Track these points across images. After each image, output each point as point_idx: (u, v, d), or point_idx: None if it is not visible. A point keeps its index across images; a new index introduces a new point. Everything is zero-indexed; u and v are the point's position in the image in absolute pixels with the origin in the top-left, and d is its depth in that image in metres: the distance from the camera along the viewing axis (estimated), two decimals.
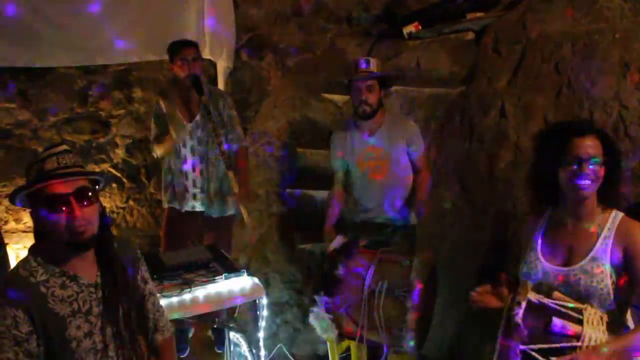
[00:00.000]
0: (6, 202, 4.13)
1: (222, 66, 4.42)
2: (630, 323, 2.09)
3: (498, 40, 3.87)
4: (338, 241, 3.09)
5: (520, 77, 3.56)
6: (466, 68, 4.15)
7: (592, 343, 1.83)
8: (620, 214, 2.03)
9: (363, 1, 4.88)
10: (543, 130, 2.25)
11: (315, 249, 4.07)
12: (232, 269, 2.79)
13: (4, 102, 4.14)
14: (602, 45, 3.21)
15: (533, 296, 1.95)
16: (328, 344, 3.19)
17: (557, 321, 1.86)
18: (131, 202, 4.57)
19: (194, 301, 2.58)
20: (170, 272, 2.72)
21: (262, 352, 2.94)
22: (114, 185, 4.49)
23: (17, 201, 1.78)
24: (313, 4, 4.78)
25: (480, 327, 3.29)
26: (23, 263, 1.77)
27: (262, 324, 2.88)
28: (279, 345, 3.98)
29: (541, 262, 2.09)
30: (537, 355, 1.84)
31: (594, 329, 1.86)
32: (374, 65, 3.22)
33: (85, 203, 1.72)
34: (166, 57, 3.53)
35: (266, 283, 4.07)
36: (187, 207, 3.56)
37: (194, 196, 3.54)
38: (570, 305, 1.93)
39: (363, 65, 3.22)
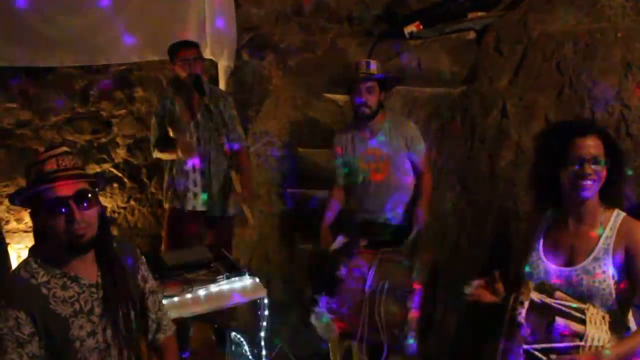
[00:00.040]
0: (7, 201, 4.13)
1: (224, 66, 4.43)
2: (632, 323, 2.08)
3: (499, 40, 3.86)
4: (339, 241, 3.09)
5: (521, 76, 3.55)
6: (467, 68, 4.14)
7: (595, 343, 1.83)
8: (622, 214, 2.03)
9: (364, 1, 4.87)
10: (544, 131, 2.25)
11: (317, 248, 4.07)
12: (233, 269, 2.79)
13: (5, 101, 4.15)
14: (603, 45, 3.20)
15: (535, 296, 1.95)
16: (329, 344, 3.18)
17: (559, 321, 1.86)
18: (132, 202, 4.57)
19: (195, 301, 2.59)
20: (172, 272, 2.72)
21: (263, 352, 2.93)
22: (115, 185, 4.50)
23: (17, 201, 1.78)
24: (314, 3, 4.78)
25: (481, 328, 3.29)
26: (24, 264, 1.77)
27: (263, 323, 2.88)
28: (280, 345, 3.97)
29: (543, 263, 2.08)
30: (539, 355, 1.84)
31: (596, 329, 1.85)
32: (374, 67, 3.22)
33: (85, 205, 1.72)
34: (167, 56, 3.53)
35: (267, 283, 4.06)
36: (189, 207, 3.56)
37: (195, 196, 3.54)
38: (573, 305, 1.93)
39: (363, 67, 3.21)
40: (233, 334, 3.16)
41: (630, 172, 2.70)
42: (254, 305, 2.85)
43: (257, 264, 4.18)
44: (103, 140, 4.47)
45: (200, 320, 2.91)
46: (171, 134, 3.50)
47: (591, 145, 1.95)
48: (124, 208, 4.56)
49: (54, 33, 3.82)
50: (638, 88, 3.01)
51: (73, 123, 4.38)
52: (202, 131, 3.47)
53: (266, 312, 2.87)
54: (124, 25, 3.97)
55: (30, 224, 1.84)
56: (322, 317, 2.92)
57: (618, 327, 1.95)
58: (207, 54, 4.25)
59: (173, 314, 2.46)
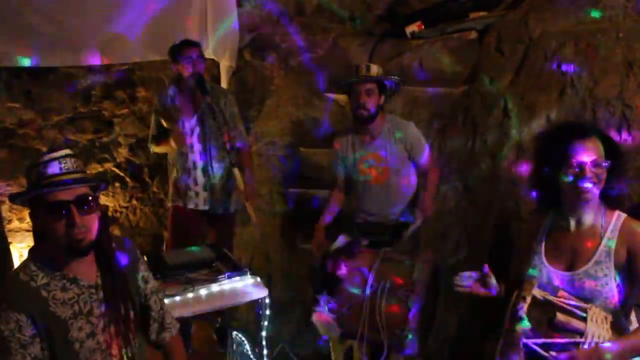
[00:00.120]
0: (10, 202, 4.14)
1: (225, 66, 4.43)
2: (635, 324, 2.07)
3: (501, 40, 3.86)
4: (340, 241, 3.09)
5: (523, 76, 3.55)
6: (469, 67, 4.14)
7: (595, 340, 1.83)
8: (624, 215, 2.02)
9: (366, 1, 4.88)
10: (543, 133, 2.24)
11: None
12: (234, 269, 2.79)
13: (8, 101, 4.16)
14: (605, 45, 3.20)
15: (538, 293, 1.95)
16: (330, 343, 3.19)
17: (560, 316, 1.87)
18: (134, 201, 4.58)
19: (197, 300, 2.59)
20: (173, 272, 2.73)
21: (265, 352, 2.94)
22: (117, 184, 4.51)
23: (18, 201, 1.79)
24: (315, 3, 4.78)
25: (483, 327, 3.29)
26: (23, 267, 1.77)
27: (265, 323, 2.88)
28: (281, 345, 3.98)
29: (545, 267, 2.07)
30: (539, 349, 1.84)
31: (597, 327, 1.86)
32: (374, 70, 3.20)
33: (86, 210, 1.72)
34: (169, 56, 3.54)
35: (269, 282, 4.07)
36: (191, 205, 3.57)
37: (197, 195, 3.55)
38: (575, 303, 1.93)
39: (363, 70, 3.21)
40: (234, 333, 3.17)
41: (630, 173, 2.71)
42: (256, 304, 2.84)
43: (258, 263, 4.19)
44: (105, 139, 4.48)
45: (201, 319, 2.92)
46: (165, 124, 3.50)
47: (591, 148, 1.94)
48: (126, 207, 4.57)
49: (56, 33, 3.83)
50: None
51: (75, 123, 4.39)
52: (204, 129, 3.48)
53: (267, 312, 2.87)
54: (126, 25, 3.98)
55: (32, 225, 1.84)
56: (323, 317, 2.93)
57: (620, 327, 1.95)
58: (209, 54, 4.26)
59: (174, 314, 2.47)
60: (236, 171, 3.41)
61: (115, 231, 4.48)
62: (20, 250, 4.15)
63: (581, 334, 1.85)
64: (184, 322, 3.38)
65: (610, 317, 1.92)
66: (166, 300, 2.42)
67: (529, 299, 1.91)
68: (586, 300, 1.96)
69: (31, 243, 1.86)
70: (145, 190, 4.60)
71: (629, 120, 3.02)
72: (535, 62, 3.51)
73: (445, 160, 3.83)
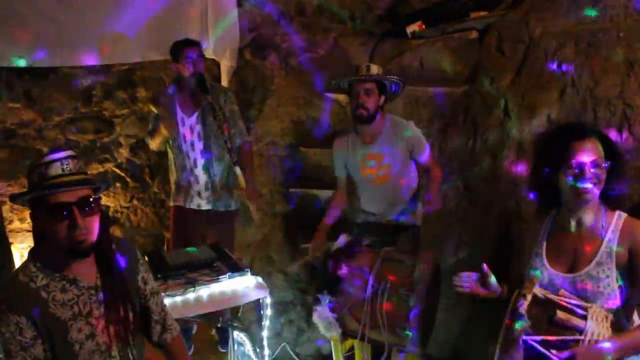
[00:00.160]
0: (11, 202, 4.14)
1: (226, 65, 4.43)
2: (638, 323, 2.08)
3: (501, 39, 3.86)
4: (341, 240, 3.09)
5: (523, 76, 3.55)
6: (470, 67, 4.14)
7: (595, 337, 1.83)
8: (624, 215, 2.03)
9: (366, 1, 4.87)
10: (543, 134, 2.24)
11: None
12: (236, 269, 2.79)
13: (8, 101, 4.16)
14: (605, 44, 3.20)
15: (539, 292, 1.96)
16: (332, 343, 3.19)
17: (560, 314, 1.87)
18: (135, 202, 4.58)
19: (198, 300, 2.59)
20: (174, 272, 2.72)
21: (266, 351, 2.94)
22: (118, 184, 4.51)
23: (18, 201, 1.78)
24: (316, 4, 4.78)
25: (484, 327, 3.29)
26: (22, 268, 1.77)
27: (266, 323, 2.88)
28: (282, 345, 3.99)
29: (547, 269, 2.07)
30: (538, 346, 1.85)
31: (597, 325, 1.86)
32: (374, 70, 3.19)
33: (88, 210, 1.72)
34: (169, 56, 3.54)
35: (270, 282, 4.07)
36: (193, 205, 3.57)
37: (199, 194, 3.55)
38: (576, 302, 1.93)
39: (363, 70, 3.20)
40: (236, 333, 3.16)
41: (631, 172, 2.70)
42: (257, 304, 2.85)
43: (259, 263, 4.19)
44: (106, 140, 4.48)
45: (202, 319, 2.91)
46: (155, 110, 3.50)
47: (590, 149, 1.94)
48: (127, 207, 4.57)
49: (57, 33, 3.83)
50: None
51: (76, 123, 4.38)
52: (205, 127, 3.48)
53: (269, 312, 2.87)
54: (127, 25, 3.98)
55: (32, 226, 1.84)
56: (324, 316, 2.93)
57: (620, 326, 1.95)
58: (209, 54, 4.26)
59: (176, 314, 2.47)
60: (237, 169, 3.41)
61: (116, 231, 4.48)
62: (21, 251, 4.14)
63: (581, 331, 1.85)
64: (185, 322, 3.40)
65: (610, 316, 1.93)
66: (167, 301, 2.43)
67: (529, 297, 1.91)
68: (588, 301, 1.96)
69: (32, 243, 1.86)
70: (146, 190, 4.60)
71: (630, 119, 3.02)
72: (536, 61, 3.51)
73: (446, 160, 3.83)
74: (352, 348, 3.17)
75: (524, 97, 3.48)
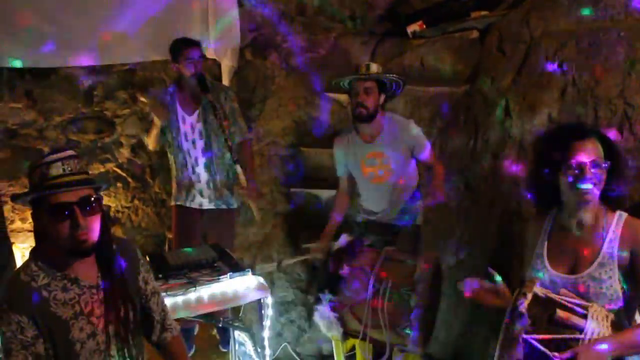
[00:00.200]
0: (12, 202, 4.15)
1: (227, 65, 4.43)
2: None
3: (502, 39, 3.86)
4: (343, 240, 3.09)
5: (524, 75, 3.55)
6: (470, 67, 4.15)
7: (595, 337, 1.83)
8: (625, 215, 2.02)
9: (367, 0, 4.88)
10: (542, 135, 2.24)
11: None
12: (237, 268, 2.79)
13: (10, 102, 4.17)
14: (606, 44, 3.19)
15: (540, 291, 1.95)
16: (333, 342, 3.19)
17: (560, 313, 1.87)
18: (136, 202, 4.59)
19: (199, 300, 2.58)
20: (175, 271, 2.73)
21: (267, 351, 2.94)
22: (119, 184, 4.52)
23: (19, 201, 1.79)
24: (317, 3, 4.78)
25: (486, 327, 3.29)
26: (24, 268, 1.78)
27: (267, 323, 2.88)
28: (284, 344, 3.99)
29: (548, 271, 2.07)
30: (538, 345, 1.85)
31: (597, 324, 1.86)
32: (374, 69, 3.18)
33: (89, 211, 1.72)
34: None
35: (271, 282, 4.08)
36: (194, 204, 3.58)
37: (200, 192, 3.56)
38: (577, 301, 1.93)
39: (363, 68, 3.20)
40: (237, 333, 3.17)
41: (632, 172, 2.70)
42: (258, 304, 2.85)
43: (261, 263, 4.19)
44: (107, 140, 4.49)
45: (204, 319, 2.92)
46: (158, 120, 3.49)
47: (590, 149, 1.94)
48: (128, 207, 4.58)
49: (58, 33, 3.83)
50: None
51: (77, 123, 4.39)
52: (205, 125, 3.48)
53: (270, 312, 2.87)
54: (128, 25, 3.98)
55: (33, 226, 1.84)
56: (326, 316, 2.93)
57: (622, 326, 1.95)
58: (210, 54, 4.26)
59: (177, 314, 2.48)
60: (238, 168, 3.42)
61: (117, 231, 4.49)
62: (22, 251, 4.15)
63: (581, 330, 1.85)
64: (187, 322, 3.40)
65: (611, 316, 1.93)
66: (169, 300, 2.43)
67: (529, 296, 1.91)
68: (590, 301, 1.95)
69: (33, 243, 1.86)
70: (147, 190, 4.61)
71: (631, 119, 3.02)
72: (537, 61, 3.51)
73: (447, 160, 3.83)
74: (353, 348, 3.17)
75: (525, 96, 3.48)
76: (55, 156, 1.73)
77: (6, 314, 1.68)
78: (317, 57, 4.66)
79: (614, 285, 1.95)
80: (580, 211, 2.02)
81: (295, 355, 3.98)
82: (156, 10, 4.07)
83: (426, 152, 3.30)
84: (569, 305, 1.91)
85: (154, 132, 3.55)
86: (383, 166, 3.27)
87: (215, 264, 2.85)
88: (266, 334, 2.89)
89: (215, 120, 3.39)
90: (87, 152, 4.38)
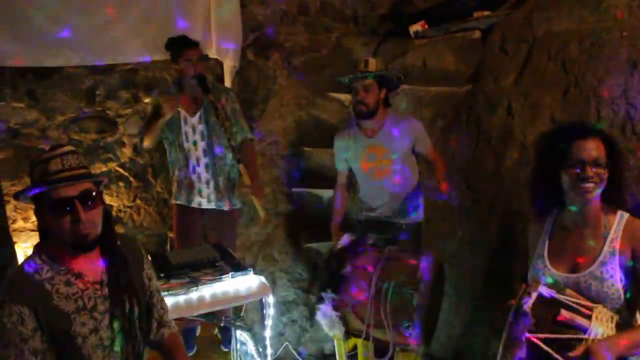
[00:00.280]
0: (14, 200, 4.16)
1: (229, 65, 4.43)
2: None
3: (505, 39, 3.85)
4: (345, 239, 3.09)
5: (526, 75, 3.55)
6: (473, 67, 4.14)
7: (599, 338, 1.82)
8: (626, 215, 2.02)
9: (369, 0, 4.88)
10: (545, 133, 2.24)
11: (322, 247, 4.08)
12: (238, 268, 2.79)
13: (12, 101, 4.17)
14: (609, 44, 3.19)
15: (545, 290, 1.95)
16: (335, 341, 3.19)
17: (565, 313, 1.86)
18: (138, 201, 4.59)
19: (201, 300, 2.58)
20: (177, 271, 2.73)
21: (269, 351, 2.94)
22: (121, 184, 4.52)
23: (21, 198, 1.80)
24: (319, 3, 4.78)
25: (487, 327, 3.29)
26: (27, 261, 1.79)
27: (269, 322, 2.88)
28: (285, 344, 3.98)
29: (549, 270, 2.07)
30: (542, 345, 1.84)
31: (601, 325, 1.85)
32: (372, 65, 3.19)
33: (90, 205, 1.73)
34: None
35: (273, 282, 4.08)
36: (194, 204, 3.58)
37: (201, 192, 3.56)
38: (582, 302, 1.93)
39: (361, 65, 3.21)
40: (238, 332, 3.17)
41: (634, 172, 2.70)
42: (260, 304, 2.85)
43: (262, 262, 4.19)
44: (109, 139, 4.49)
45: (205, 319, 2.92)
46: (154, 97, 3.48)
47: (592, 148, 1.94)
48: (130, 207, 4.58)
49: (61, 33, 3.84)
50: None
51: (79, 122, 4.40)
52: (207, 126, 3.48)
53: (272, 311, 2.87)
54: (130, 25, 3.98)
55: (37, 222, 1.85)
56: (328, 315, 2.93)
57: (626, 328, 1.94)
58: (212, 54, 4.27)
59: (178, 314, 2.48)
60: (241, 167, 3.42)
61: (119, 231, 4.49)
62: (25, 250, 4.16)
63: (585, 331, 1.84)
64: (189, 322, 3.40)
65: (616, 317, 1.92)
66: (170, 300, 2.44)
67: (534, 295, 1.91)
68: (593, 301, 1.95)
69: (35, 243, 1.87)
70: (149, 189, 4.61)
71: (633, 119, 3.01)
72: (539, 61, 3.51)
73: (449, 159, 3.83)
74: (355, 347, 3.17)
75: (527, 96, 3.48)
76: (54, 152, 1.74)
77: (8, 305, 1.68)
78: (319, 57, 4.66)
79: (615, 284, 1.95)
80: (582, 210, 2.02)
81: (296, 355, 3.98)
82: (159, 10, 4.07)
83: (427, 148, 3.32)
84: (574, 305, 1.90)
85: (154, 132, 3.47)
86: (383, 161, 3.27)
87: (217, 264, 2.85)
88: (268, 333, 2.89)
89: (217, 122, 3.39)
90: (89, 152, 4.38)
